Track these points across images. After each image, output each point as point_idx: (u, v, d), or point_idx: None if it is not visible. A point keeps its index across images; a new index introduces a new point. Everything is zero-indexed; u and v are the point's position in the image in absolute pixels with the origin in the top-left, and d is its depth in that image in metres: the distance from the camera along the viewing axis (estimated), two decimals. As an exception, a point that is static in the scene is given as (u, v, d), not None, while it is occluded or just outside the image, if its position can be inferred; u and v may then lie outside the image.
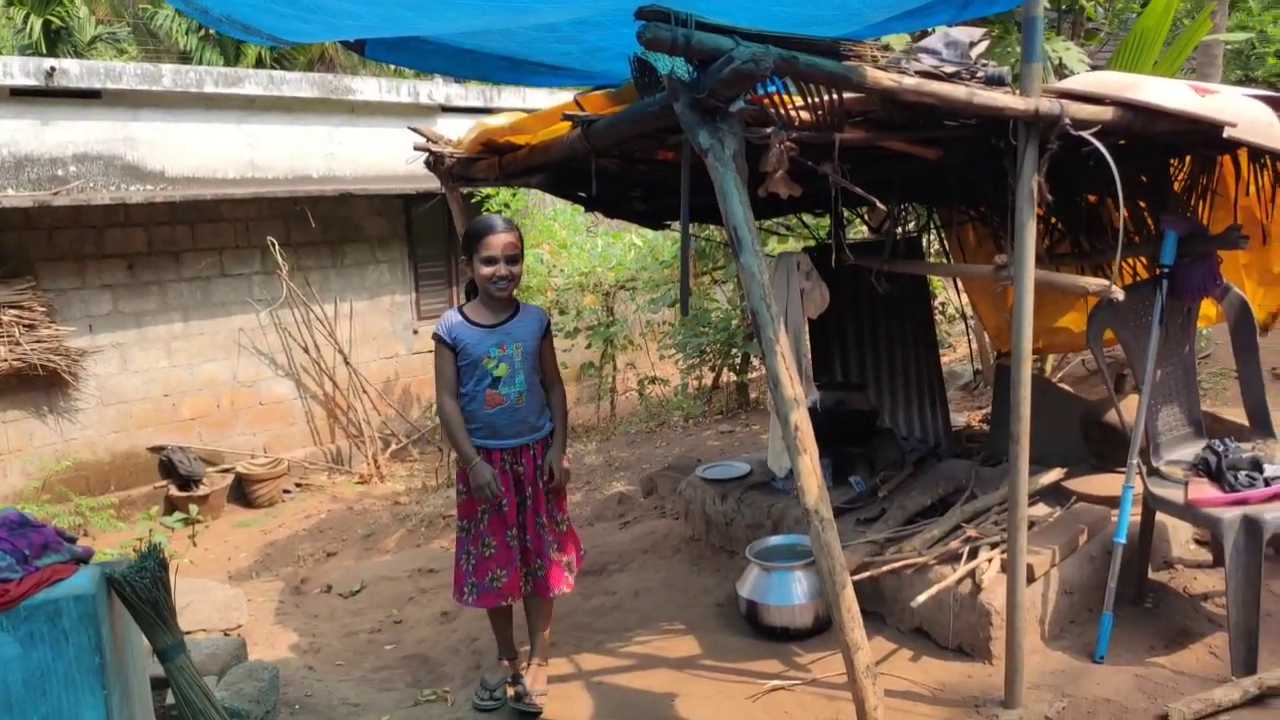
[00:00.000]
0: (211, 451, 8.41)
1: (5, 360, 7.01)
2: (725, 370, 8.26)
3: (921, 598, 3.21)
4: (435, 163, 3.92)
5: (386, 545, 6.46)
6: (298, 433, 8.97)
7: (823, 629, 3.60)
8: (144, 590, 2.14)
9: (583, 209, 6.45)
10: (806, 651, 3.53)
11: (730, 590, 3.98)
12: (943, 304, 8.41)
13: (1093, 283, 2.94)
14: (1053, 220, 4.45)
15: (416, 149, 3.89)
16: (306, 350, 8.86)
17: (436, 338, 3.29)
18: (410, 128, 4.12)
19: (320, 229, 8.81)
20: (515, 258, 3.20)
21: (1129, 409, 3.53)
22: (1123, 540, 3.27)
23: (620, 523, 5.27)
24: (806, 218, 6.21)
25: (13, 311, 7.09)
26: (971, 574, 3.34)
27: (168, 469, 8.14)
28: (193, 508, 5.03)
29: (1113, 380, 3.58)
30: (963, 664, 3.32)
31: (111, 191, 7.50)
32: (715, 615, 3.91)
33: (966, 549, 3.45)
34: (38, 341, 7.26)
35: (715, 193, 2.48)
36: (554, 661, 3.64)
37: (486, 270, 3.17)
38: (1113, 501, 3.70)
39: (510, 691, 3.36)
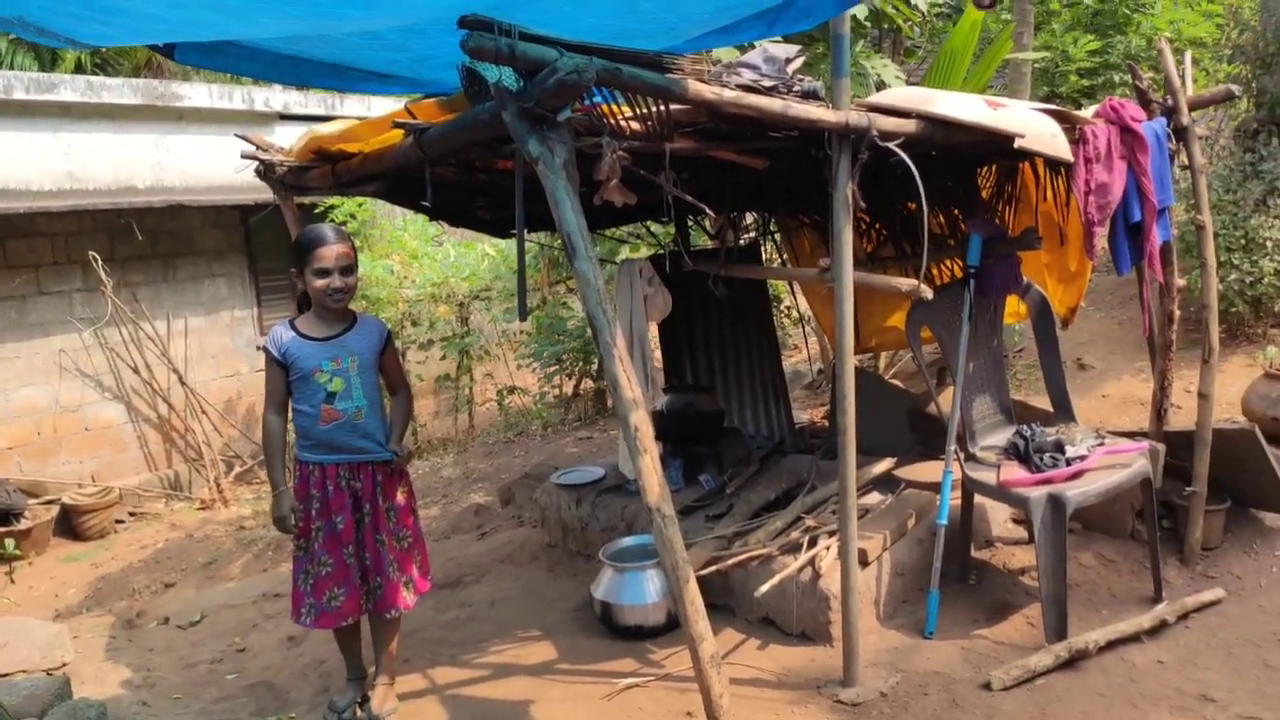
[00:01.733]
0: (33, 482, 7.81)
1: None
2: (583, 378, 8.33)
3: (765, 588, 3.35)
4: (266, 171, 3.81)
5: (230, 572, 6.19)
6: (130, 459, 8.45)
7: (675, 625, 3.69)
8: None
9: (427, 218, 6.39)
10: (660, 648, 3.62)
11: (586, 594, 4.04)
12: (787, 308, 8.76)
13: (904, 283, 3.16)
14: (876, 226, 4.74)
15: (244, 157, 3.77)
16: (137, 371, 8.36)
17: (265, 352, 3.21)
18: (238, 135, 3.98)
19: (149, 242, 8.35)
20: (349, 268, 3.15)
21: (947, 400, 3.79)
22: (944, 522, 3.51)
23: (478, 534, 5.24)
24: (655, 227, 6.36)
25: None
26: (811, 562, 3.51)
27: (-18, 504, 7.51)
28: (9, 542, 4.67)
29: (934, 375, 3.85)
30: (806, 649, 3.49)
31: (-94, 204, 6.89)
32: (572, 620, 3.96)
33: (806, 538, 3.62)
34: None
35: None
36: (407, 678, 3.60)
37: (319, 283, 3.11)
38: (938, 487, 3.97)
39: (359, 713, 3.30)
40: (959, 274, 4.43)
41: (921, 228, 2.86)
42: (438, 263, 8.22)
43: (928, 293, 2.97)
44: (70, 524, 7.85)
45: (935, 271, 4.55)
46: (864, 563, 3.49)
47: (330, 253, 3.10)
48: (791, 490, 4.20)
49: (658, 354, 5.32)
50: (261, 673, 3.99)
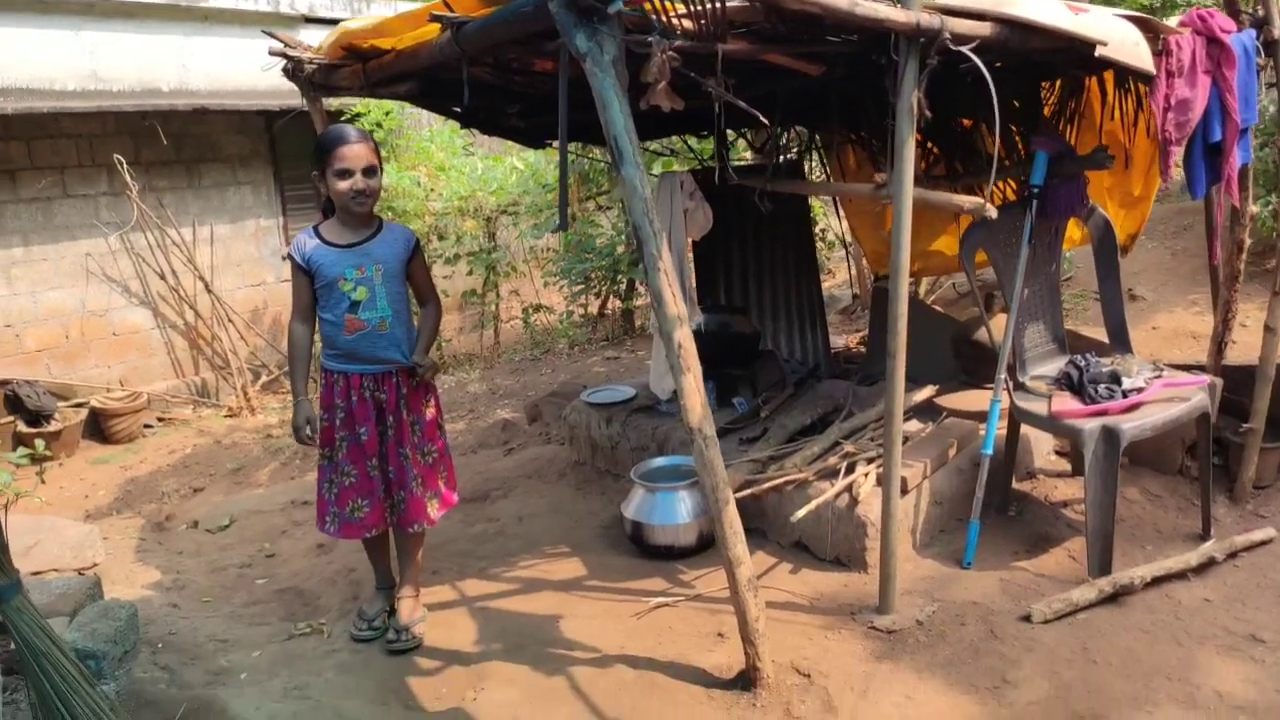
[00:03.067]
0: (63, 385, 7.86)
1: None
2: (610, 297, 8.21)
3: (801, 512, 3.27)
4: (294, 71, 3.65)
5: (258, 479, 6.22)
6: (157, 364, 8.47)
7: (706, 547, 3.65)
8: (-30, 527, 1.95)
9: (458, 125, 6.20)
10: (690, 569, 3.58)
11: (615, 512, 3.99)
12: (823, 230, 8.55)
13: (968, 200, 2.99)
14: (929, 144, 4.52)
15: (272, 54, 3.61)
16: (163, 277, 8.32)
17: (290, 259, 3.12)
18: (266, 31, 3.81)
19: (174, 147, 8.20)
20: (372, 169, 3.01)
21: (997, 327, 3.65)
22: (989, 452, 3.41)
23: (504, 449, 5.20)
24: (691, 141, 6.15)
25: None
26: (849, 488, 3.43)
27: (14, 404, 7.56)
28: (39, 443, 4.68)
29: (982, 300, 3.69)
30: (840, 574, 3.43)
31: (-70, 100, 6.77)
32: (601, 537, 3.92)
33: (844, 464, 3.53)
34: None
35: (595, 104, 2.38)
36: (436, 589, 3.59)
37: (342, 185, 2.98)
38: (981, 416, 3.85)
39: (387, 622, 3.29)
40: (1013, 197, 4.24)
41: (990, 147, 2.68)
42: (465, 176, 8.03)
43: (992, 211, 2.80)
44: (99, 427, 7.92)
45: (986, 193, 4.35)
46: (904, 490, 3.40)
47: (352, 152, 2.97)
48: (827, 415, 4.10)
49: (693, 272, 5.18)
50: (291, 578, 3.99)
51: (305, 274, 3.10)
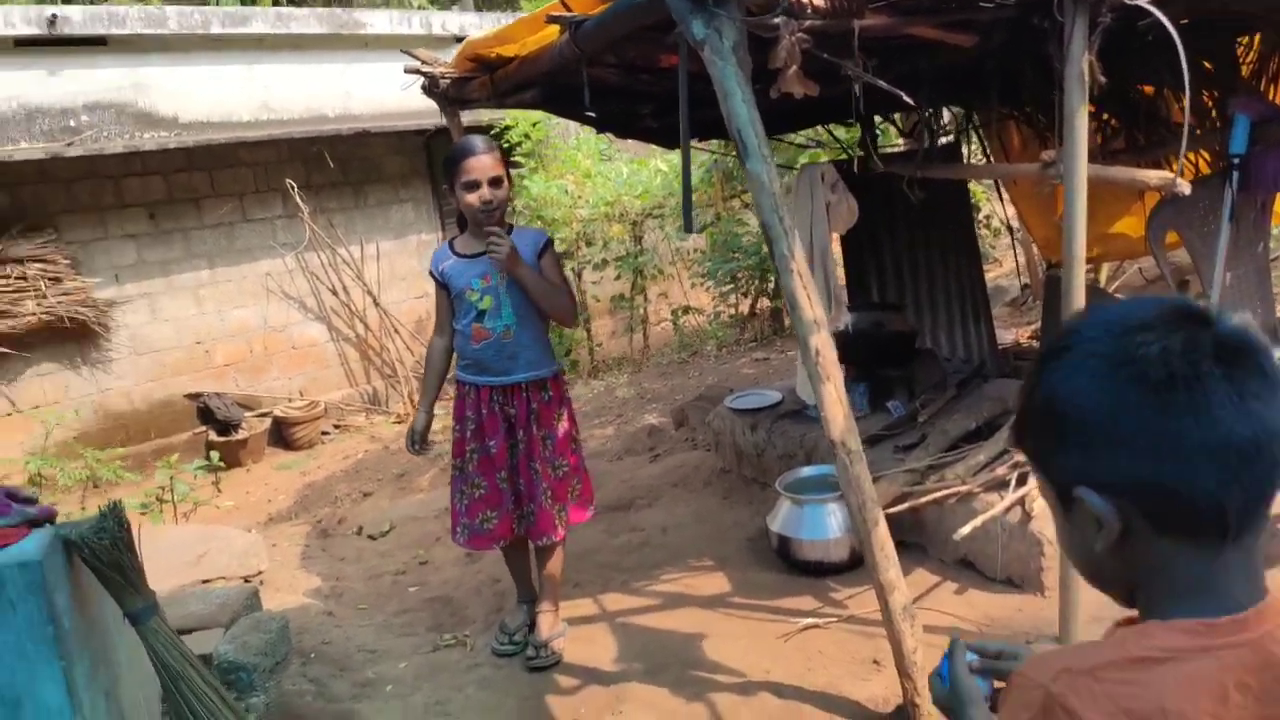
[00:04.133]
0: (248, 396, 8.36)
1: (34, 314, 6.95)
2: (759, 297, 7.95)
3: (965, 529, 2.95)
4: (430, 86, 3.64)
5: (420, 484, 6.36)
6: (332, 375, 8.88)
7: (860, 563, 3.36)
8: (103, 552, 1.97)
9: (594, 130, 6.12)
10: (843, 586, 3.31)
11: (762, 524, 3.77)
12: (986, 217, 7.97)
13: (1154, 175, 2.60)
14: (1104, 115, 4.05)
15: (407, 71, 3.61)
16: (335, 293, 8.71)
17: (431, 275, 3.10)
18: (405, 51, 3.83)
19: (340, 170, 8.58)
20: (498, 180, 2.93)
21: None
22: (1186, 461, 2.96)
23: (650, 456, 5.07)
24: (837, 131, 5.82)
25: (37, 265, 7.01)
26: (1021, 501, 3.07)
27: (205, 415, 8.10)
28: (214, 454, 4.93)
29: (1175, 287, 3.24)
30: (1013, 597, 3.08)
31: (125, 140, 7.32)
32: (746, 550, 3.71)
33: (1015, 475, 3.17)
34: (64, 294, 7.18)
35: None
36: (578, 602, 3.48)
37: (469, 197, 2.91)
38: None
39: (528, 637, 3.21)
40: (1205, 170, 3.73)
41: (1177, 115, 2.30)
42: (610, 181, 7.98)
43: (1185, 187, 2.41)
44: (282, 435, 8.37)
45: (1176, 166, 3.84)
46: (1083, 504, 3.02)
47: (478, 164, 2.90)
48: (995, 419, 3.72)
49: (841, 269, 4.87)
50: (441, 586, 3.99)
51: (442, 287, 3.09)
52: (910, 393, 4.02)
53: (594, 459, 5.24)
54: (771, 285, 7.53)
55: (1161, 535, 0.83)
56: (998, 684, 1.13)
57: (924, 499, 3.11)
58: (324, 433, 8.57)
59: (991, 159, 4.51)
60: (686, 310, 8.23)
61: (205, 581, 3.90)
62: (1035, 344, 4.89)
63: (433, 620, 3.63)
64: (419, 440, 3.18)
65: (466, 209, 2.97)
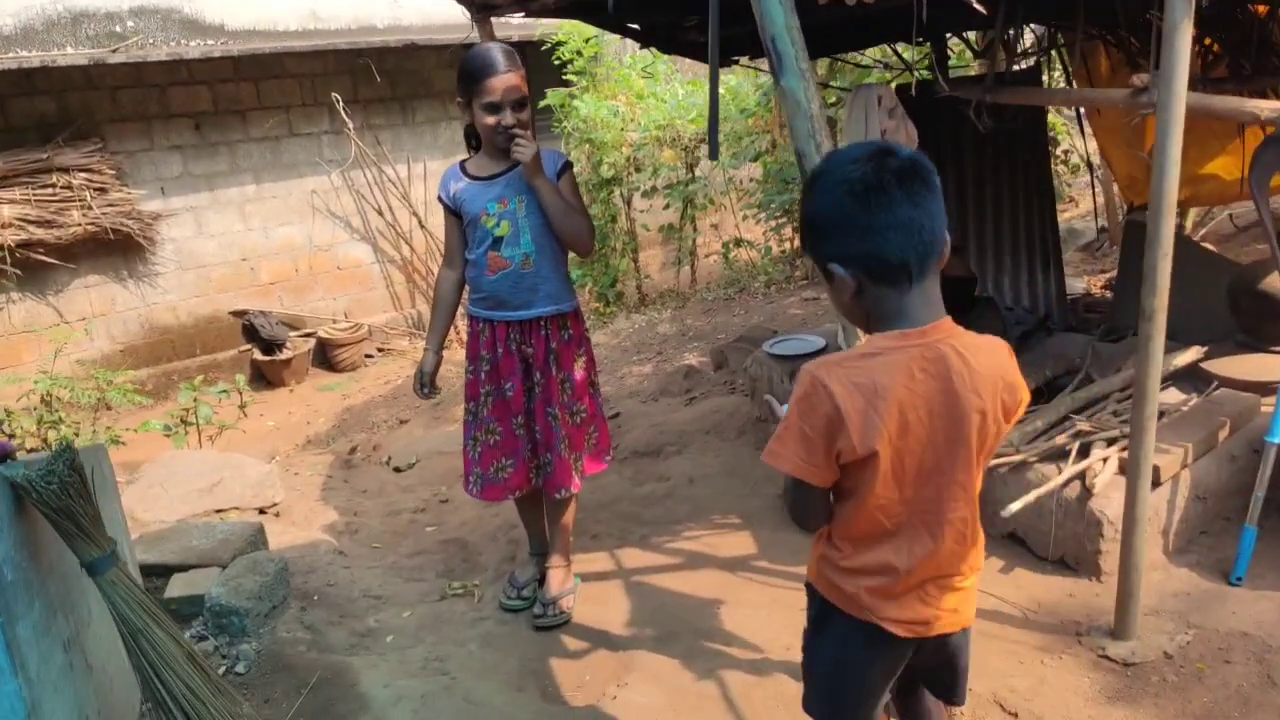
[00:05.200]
0: (293, 316, 8.27)
1: (79, 224, 6.87)
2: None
3: (1016, 506, 2.63)
4: (457, -10, 3.30)
5: (454, 414, 6.18)
6: (377, 297, 8.74)
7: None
8: (51, 497, 1.78)
9: (655, 53, 5.70)
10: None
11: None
12: (1065, 152, 7.36)
13: (1266, 106, 2.17)
14: (1206, 40, 3.55)
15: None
16: (381, 213, 8.51)
17: (440, 200, 2.82)
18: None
19: (388, 84, 8.28)
20: (522, 101, 2.61)
21: (1299, 276, 2.76)
22: (1277, 440, 2.58)
23: (686, 399, 4.79)
24: (906, 54, 5.31)
25: (82, 175, 6.90)
26: (1081, 476, 2.73)
27: (250, 333, 8.05)
28: (239, 378, 4.80)
29: (1276, 238, 2.80)
30: (1063, 579, 2.76)
31: (170, 47, 7.11)
32: (775, 509, 3.42)
33: (1076, 445, 2.82)
34: (110, 205, 7.08)
35: None
36: (593, 555, 3.26)
37: (488, 119, 2.60)
38: (1264, 389, 2.99)
39: (538, 592, 3.00)
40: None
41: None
42: (664, 103, 7.54)
43: (1311, 121, 1.99)
44: (325, 356, 8.30)
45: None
46: (1155, 482, 2.66)
47: (502, 84, 2.57)
48: (1058, 379, 3.35)
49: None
50: (458, 528, 3.81)
51: (453, 214, 2.81)
52: (966, 345, 3.65)
53: (627, 399, 4.99)
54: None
55: (876, 285, 1.33)
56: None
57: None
58: (367, 355, 8.47)
59: (1075, 84, 4.01)
60: (738, 243, 7.83)
61: (219, 511, 3.78)
62: (1109, 294, 4.44)
63: (444, 565, 3.45)
64: (428, 383, 2.93)
65: (483, 130, 2.66)
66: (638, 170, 7.64)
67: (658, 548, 3.28)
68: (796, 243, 7.78)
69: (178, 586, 2.93)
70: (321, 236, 8.36)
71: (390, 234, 8.64)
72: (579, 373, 2.87)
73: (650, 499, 3.65)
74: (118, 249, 7.28)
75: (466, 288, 2.89)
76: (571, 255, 2.87)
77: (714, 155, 2.22)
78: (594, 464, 2.98)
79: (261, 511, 3.87)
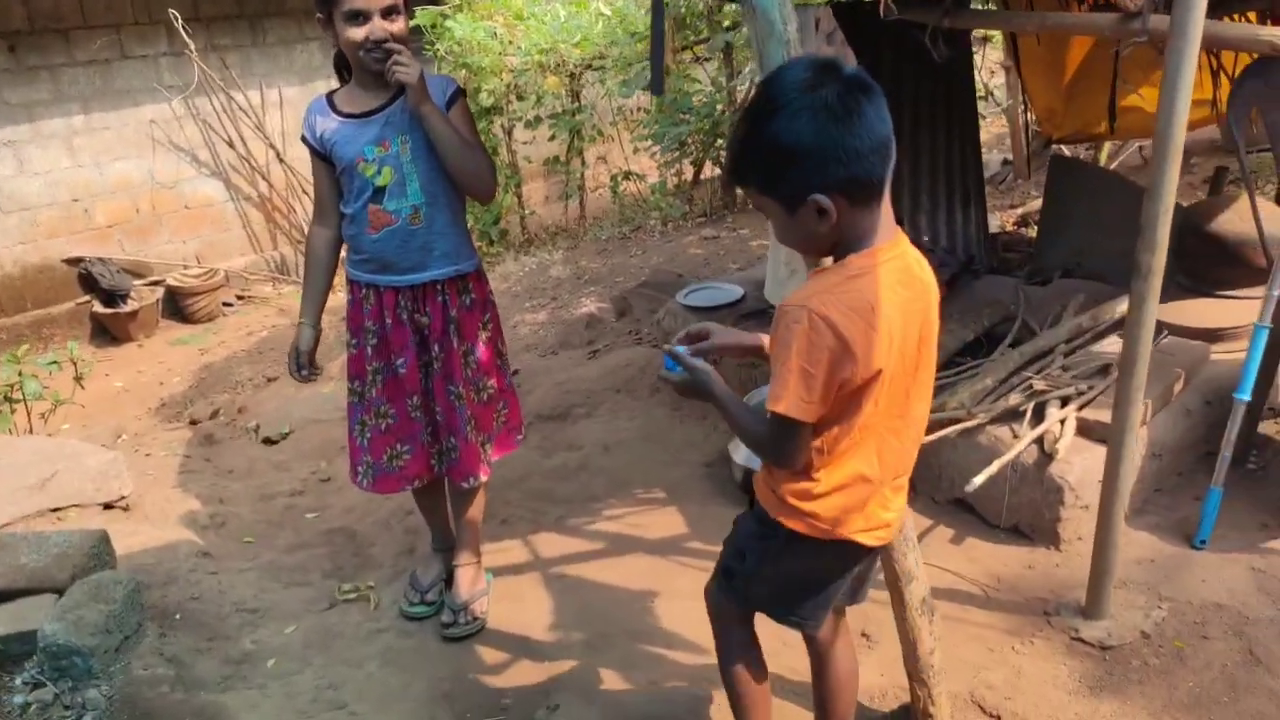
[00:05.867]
0: (136, 263, 7.33)
1: None
2: (708, 165, 7.12)
3: (979, 479, 2.36)
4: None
5: (331, 371, 5.57)
6: (234, 239, 7.85)
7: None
8: None
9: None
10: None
11: (721, 445, 3.16)
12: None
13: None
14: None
15: None
16: (232, 145, 7.58)
17: (304, 141, 2.28)
18: None
19: (235, 1, 7.30)
20: (394, 7, 2.09)
21: (1242, 215, 2.56)
22: (1247, 396, 2.40)
23: (588, 351, 4.38)
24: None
25: None
26: (1040, 440, 2.49)
27: (89, 283, 7.08)
28: (71, 344, 4.11)
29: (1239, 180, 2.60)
30: (1021, 549, 2.55)
31: (-38, -48, 5.97)
32: (703, 478, 3.10)
33: (1030, 406, 2.58)
34: (-97, 141, 5.99)
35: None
36: (503, 545, 2.87)
37: (354, 33, 2.07)
38: (1213, 335, 2.82)
39: (444, 596, 2.58)
40: None
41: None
42: (546, 25, 6.91)
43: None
44: (177, 306, 7.41)
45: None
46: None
47: None
48: (995, 328, 3.11)
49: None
50: (344, 515, 3.33)
51: (322, 159, 2.28)
52: (895, 292, 3.37)
53: (525, 353, 4.53)
54: (722, 153, 6.70)
55: (854, 207, 1.29)
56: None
57: (930, 436, 2.50)
58: (225, 304, 7.62)
59: (1032, 5, 3.63)
60: (627, 176, 7.36)
61: (55, 510, 3.16)
62: (1024, 231, 4.25)
63: (331, 562, 2.98)
64: (306, 363, 2.43)
65: (349, 48, 2.13)
66: (519, 99, 7.01)
67: (576, 531, 2.91)
68: (691, 176, 7.38)
69: (2, 622, 2.36)
70: (165, 172, 7.38)
71: (244, 168, 7.73)
72: (484, 344, 2.43)
73: (563, 472, 3.26)
74: (-81, 192, 6.20)
75: (344, 246, 2.37)
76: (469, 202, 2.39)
77: (658, 90, 1.80)
78: (504, 446, 2.56)
79: (107, 507, 3.26)
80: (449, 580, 2.59)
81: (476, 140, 2.29)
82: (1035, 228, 4.00)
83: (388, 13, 2.07)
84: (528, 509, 3.05)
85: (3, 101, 6.52)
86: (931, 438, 2.48)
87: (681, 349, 1.55)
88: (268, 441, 4.26)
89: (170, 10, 6.95)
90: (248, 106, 7.54)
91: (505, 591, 2.64)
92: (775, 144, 1.26)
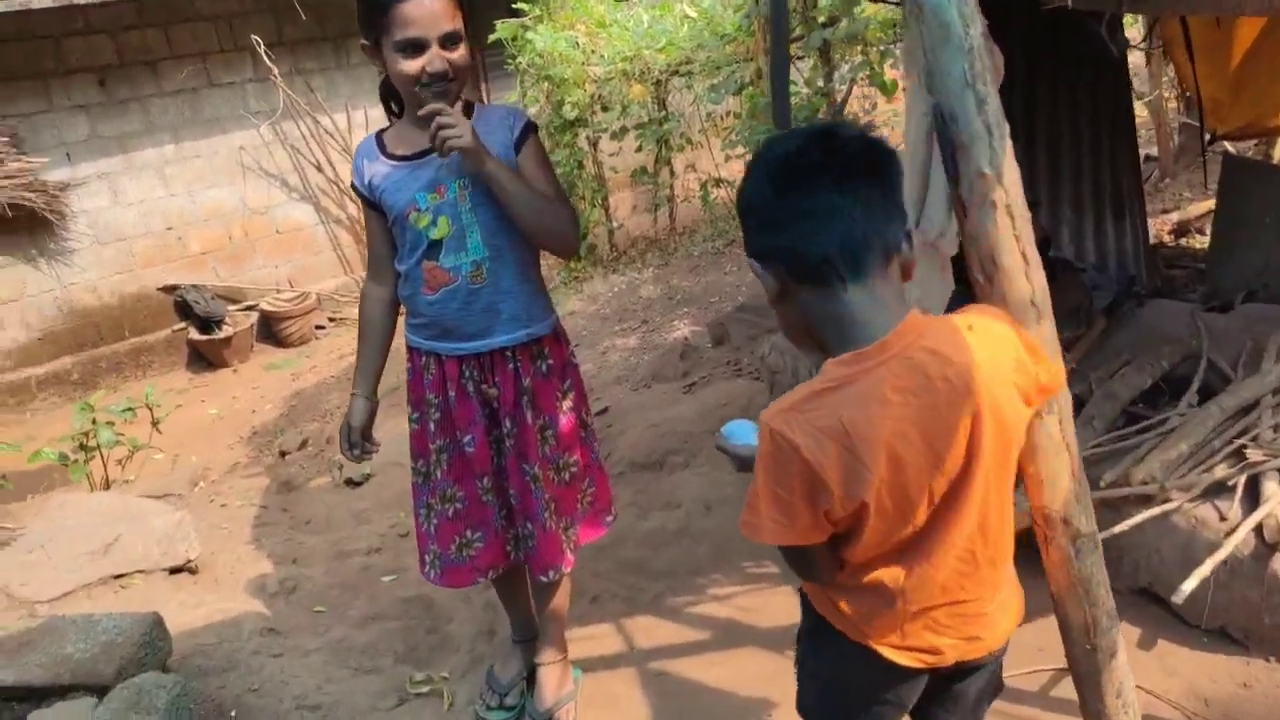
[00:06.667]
0: (230, 288, 7.26)
1: (-32, 203, 5.79)
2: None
3: (1189, 584, 1.83)
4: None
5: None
6: (325, 262, 7.73)
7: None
8: None
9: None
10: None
11: (840, 508, 2.69)
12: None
13: None
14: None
15: None
16: (320, 169, 7.45)
17: (354, 190, 1.93)
18: None
19: (315, 21, 7.13)
20: (454, 36, 1.72)
21: None
22: None
23: (684, 384, 3.95)
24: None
25: (-35, 145, 5.80)
26: (1259, 527, 1.95)
27: (184, 310, 7.04)
28: (149, 389, 3.90)
29: None
30: (1232, 660, 2.02)
31: (53, -10, 5.93)
32: (821, 549, 2.64)
33: (1242, 478, 2.04)
34: (7, 178, 5.99)
35: None
36: (592, 630, 2.48)
37: (409, 66, 1.71)
38: None
39: (525, 696, 2.21)
40: None
41: None
42: (629, 32, 6.51)
43: None
44: (271, 330, 7.33)
45: None
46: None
47: (420, 11, 1.68)
48: (1175, 370, 2.55)
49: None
50: (421, 580, 2.97)
51: (372, 208, 1.92)
52: (1043, 324, 2.83)
53: (615, 386, 4.14)
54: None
55: (800, 285, 1.09)
56: None
57: (1116, 528, 1.99)
58: (318, 327, 7.50)
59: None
60: (718, 183, 6.91)
61: (118, 577, 2.92)
62: (1187, 243, 3.64)
63: (404, 641, 2.63)
64: (358, 439, 2.08)
65: (402, 82, 1.77)
66: (604, 109, 6.64)
67: (678, 614, 2.49)
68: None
69: (34, 731, 2.09)
70: (255, 198, 7.30)
71: (333, 191, 7.59)
72: (565, 415, 2.03)
73: (660, 537, 2.84)
74: (21, 226, 6.20)
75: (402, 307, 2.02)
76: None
77: (783, 121, 1.41)
78: (591, 530, 2.16)
79: (173, 572, 3.01)
80: (530, 678, 2.21)
81: (554, 186, 1.91)
82: (1197, 238, 3.39)
83: (447, 41, 1.70)
84: (621, 584, 2.64)
85: (96, 135, 6.51)
86: (1120, 528, 1.97)
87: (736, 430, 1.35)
88: (349, 483, 3.99)
89: (253, 36, 6.84)
90: (334, 129, 7.40)
91: (595, 692, 2.24)
92: (740, 199, 1.18)
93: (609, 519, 2.21)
